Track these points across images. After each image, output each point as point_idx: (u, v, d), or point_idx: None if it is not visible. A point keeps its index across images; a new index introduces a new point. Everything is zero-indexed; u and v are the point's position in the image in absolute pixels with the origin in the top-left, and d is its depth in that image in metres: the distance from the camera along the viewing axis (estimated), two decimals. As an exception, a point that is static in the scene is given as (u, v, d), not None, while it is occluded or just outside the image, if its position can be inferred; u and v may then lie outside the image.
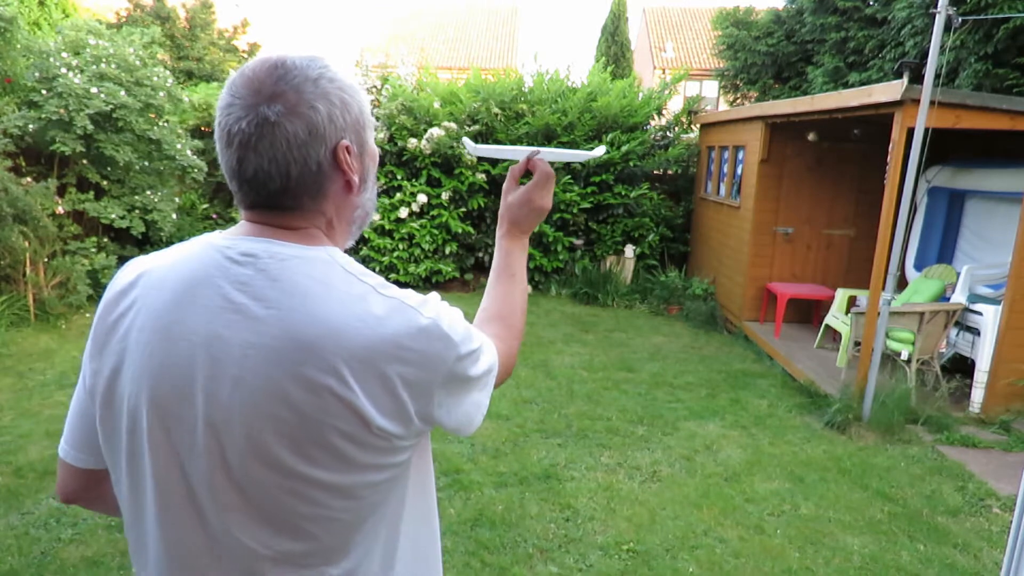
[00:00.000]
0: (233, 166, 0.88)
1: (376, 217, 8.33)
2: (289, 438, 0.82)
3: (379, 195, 8.45)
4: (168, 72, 7.33)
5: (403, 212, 8.31)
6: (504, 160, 8.35)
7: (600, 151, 1.39)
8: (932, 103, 4.32)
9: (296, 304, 0.83)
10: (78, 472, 1.00)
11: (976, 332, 5.06)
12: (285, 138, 0.85)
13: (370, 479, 0.87)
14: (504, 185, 1.29)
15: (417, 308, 0.88)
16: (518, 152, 1.30)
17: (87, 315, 6.53)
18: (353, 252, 8.61)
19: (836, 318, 6.03)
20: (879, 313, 4.63)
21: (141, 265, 0.94)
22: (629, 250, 8.71)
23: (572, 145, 8.48)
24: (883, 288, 4.61)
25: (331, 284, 0.86)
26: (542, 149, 1.28)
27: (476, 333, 0.97)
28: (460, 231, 8.46)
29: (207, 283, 0.86)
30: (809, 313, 7.09)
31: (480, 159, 8.49)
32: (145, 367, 0.86)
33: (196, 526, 0.87)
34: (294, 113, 0.85)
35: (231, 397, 0.83)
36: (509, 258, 1.25)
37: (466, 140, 1.48)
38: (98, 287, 6.47)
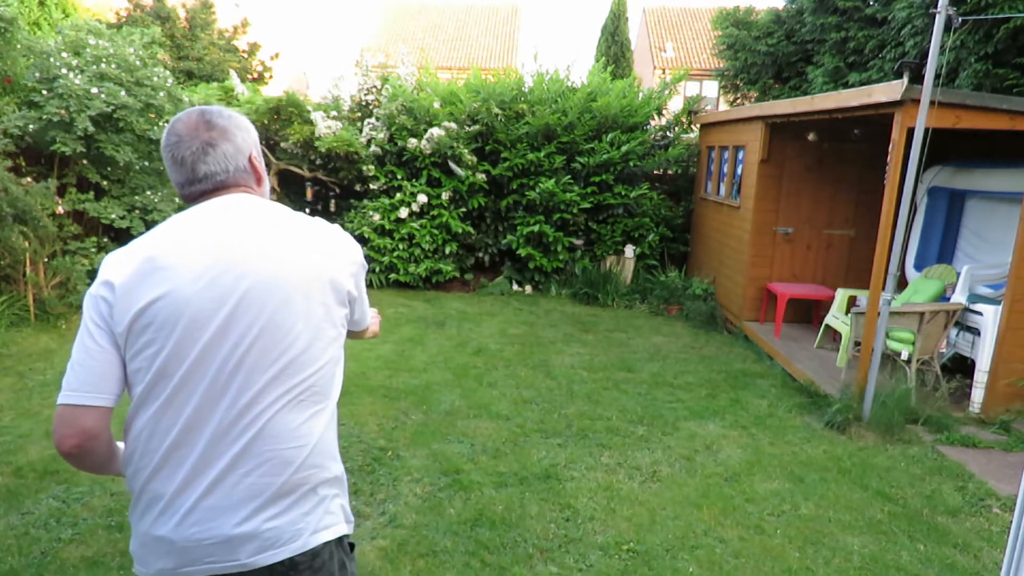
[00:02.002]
0: (187, 175, 1.43)
1: (376, 218, 8.33)
2: None
3: (379, 195, 8.50)
4: (168, 72, 7.32)
5: (403, 212, 8.31)
6: (509, 161, 8.36)
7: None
8: (932, 103, 4.32)
9: None
10: (103, 412, 1.34)
11: (976, 332, 5.06)
12: (223, 153, 1.44)
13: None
14: None
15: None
16: None
17: (87, 315, 6.52)
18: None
19: (836, 318, 6.03)
20: (879, 313, 4.63)
21: None
22: (629, 250, 8.71)
23: (572, 145, 8.48)
24: (883, 288, 4.61)
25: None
26: None
27: None
28: (460, 231, 8.46)
29: None
30: (809, 313, 7.10)
31: (479, 160, 8.49)
32: None
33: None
34: (224, 139, 1.45)
35: None
36: None
37: None
38: (98, 287, 6.46)
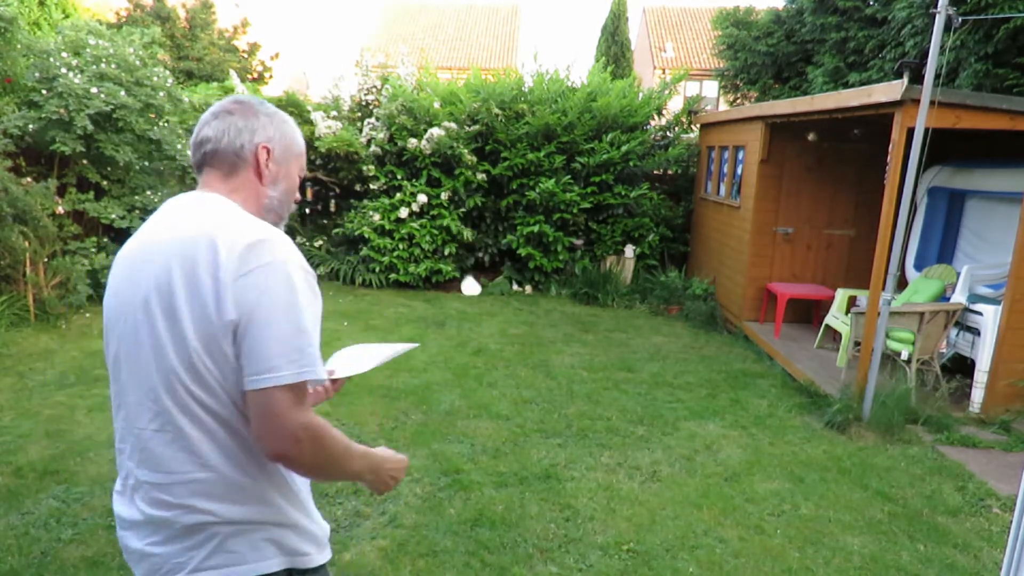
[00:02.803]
0: (193, 140, 1.37)
1: (376, 218, 8.33)
2: None
3: (379, 195, 8.48)
4: (168, 72, 7.32)
5: (403, 212, 8.31)
6: (509, 161, 8.34)
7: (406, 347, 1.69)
8: (932, 103, 4.32)
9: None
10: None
11: (976, 332, 5.06)
12: (230, 124, 1.35)
13: None
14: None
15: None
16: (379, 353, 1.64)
17: (87, 315, 6.53)
18: (354, 252, 8.64)
19: (836, 318, 6.03)
20: (879, 313, 4.63)
21: None
22: (629, 250, 8.71)
23: (572, 145, 8.48)
24: (883, 288, 4.61)
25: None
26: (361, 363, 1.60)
27: None
28: (459, 232, 8.45)
29: None
30: (809, 313, 7.09)
31: (479, 160, 8.49)
32: None
33: None
34: (240, 113, 1.36)
35: None
36: (372, 456, 1.40)
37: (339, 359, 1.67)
38: (98, 287, 6.46)
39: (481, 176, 8.39)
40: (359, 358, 1.60)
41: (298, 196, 1.48)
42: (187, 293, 1.19)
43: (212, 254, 1.18)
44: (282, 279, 1.19)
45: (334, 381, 1.61)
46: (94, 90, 6.24)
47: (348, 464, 1.32)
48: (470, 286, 8.62)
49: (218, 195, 1.33)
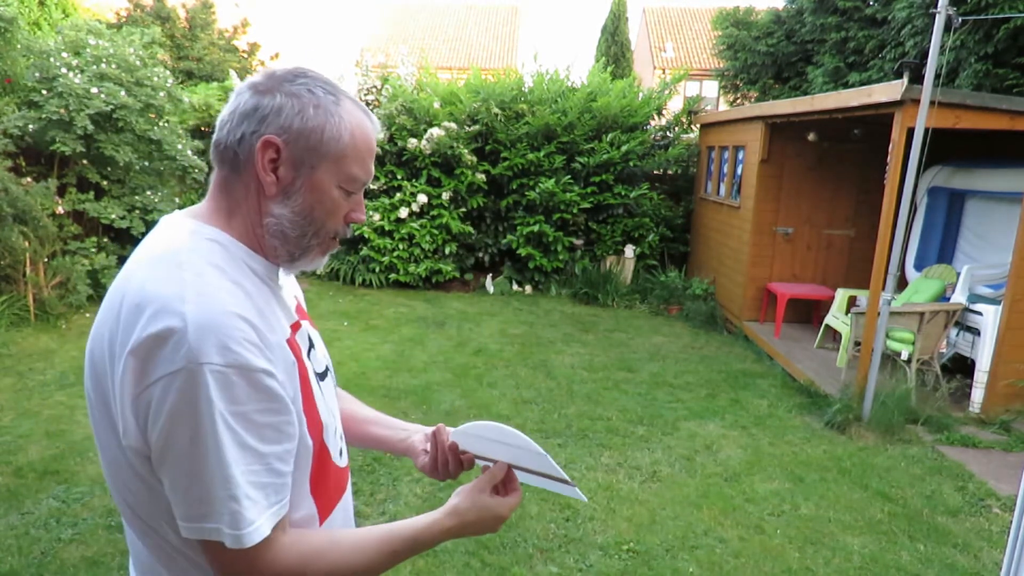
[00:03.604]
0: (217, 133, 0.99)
1: (376, 218, 8.33)
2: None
3: (379, 195, 8.47)
4: (168, 72, 7.32)
5: (403, 212, 8.31)
6: (509, 161, 8.34)
7: (580, 496, 1.19)
8: (932, 103, 4.32)
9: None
10: None
11: (976, 332, 5.06)
12: (238, 106, 0.96)
13: None
14: (478, 482, 1.09)
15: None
16: (519, 451, 1.08)
17: (87, 315, 6.53)
18: (354, 252, 8.63)
19: (836, 318, 6.03)
20: (879, 313, 4.63)
21: None
22: (629, 250, 8.70)
23: (572, 145, 8.48)
24: (883, 288, 4.61)
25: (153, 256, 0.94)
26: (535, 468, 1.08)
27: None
28: (460, 231, 8.46)
29: None
30: (809, 313, 7.09)
31: (479, 160, 8.49)
32: None
33: None
34: (257, 92, 0.95)
35: None
36: (417, 545, 1.02)
37: (466, 432, 1.16)
38: (98, 287, 6.46)
39: (481, 176, 8.39)
40: (502, 444, 1.13)
41: (360, 217, 1.04)
42: (94, 384, 0.92)
43: (115, 346, 0.86)
44: (190, 407, 0.82)
45: (461, 453, 1.20)
46: (94, 90, 6.24)
47: None
48: (490, 284, 8.67)
49: (191, 222, 0.96)
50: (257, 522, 0.86)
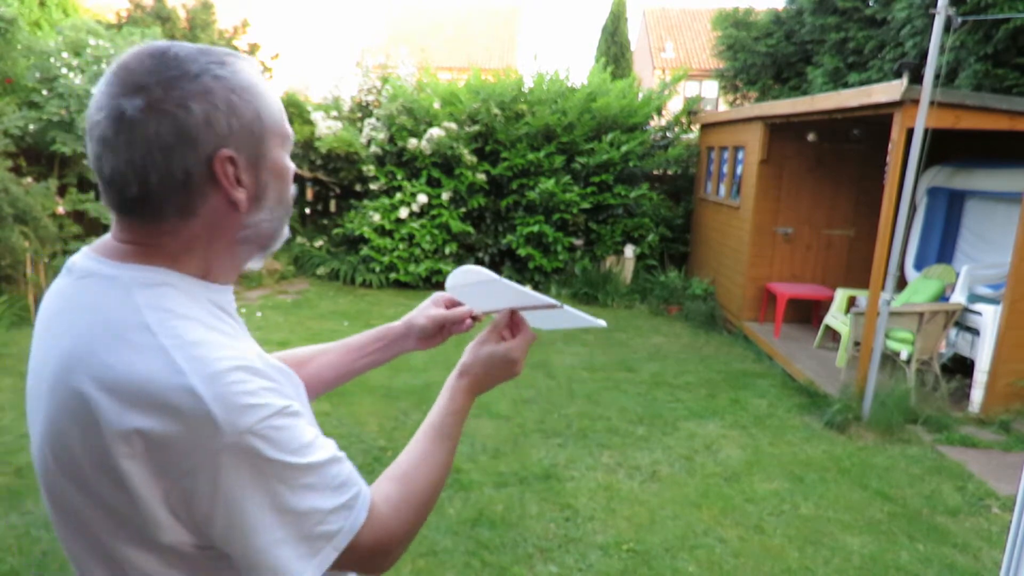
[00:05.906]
0: (93, 163, 0.80)
1: (376, 218, 8.33)
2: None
3: (379, 195, 8.47)
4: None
5: (403, 212, 8.32)
6: (509, 161, 8.35)
7: (600, 323, 1.19)
8: (932, 103, 4.33)
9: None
10: None
11: (976, 332, 5.06)
12: (145, 138, 0.75)
13: None
14: (482, 335, 1.09)
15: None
16: (520, 297, 1.09)
17: (87, 315, 6.53)
18: (354, 252, 8.64)
19: (836, 318, 6.03)
20: (879, 313, 4.63)
21: None
22: (629, 250, 8.71)
23: (572, 145, 8.48)
24: (883, 288, 4.61)
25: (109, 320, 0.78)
26: (542, 308, 1.09)
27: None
28: (460, 231, 8.46)
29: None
30: (809, 313, 7.10)
31: (479, 160, 8.49)
32: None
33: None
34: (158, 110, 0.75)
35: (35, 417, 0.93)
36: (453, 416, 1.02)
37: (460, 274, 1.09)
38: (98, 287, 6.46)
39: (481, 176, 8.40)
40: (493, 292, 1.11)
41: (301, 174, 0.94)
42: (76, 488, 0.88)
43: (103, 447, 0.77)
44: (253, 479, 0.77)
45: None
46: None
47: (440, 473, 1.01)
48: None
49: (125, 268, 0.81)
50: (363, 492, 0.84)
